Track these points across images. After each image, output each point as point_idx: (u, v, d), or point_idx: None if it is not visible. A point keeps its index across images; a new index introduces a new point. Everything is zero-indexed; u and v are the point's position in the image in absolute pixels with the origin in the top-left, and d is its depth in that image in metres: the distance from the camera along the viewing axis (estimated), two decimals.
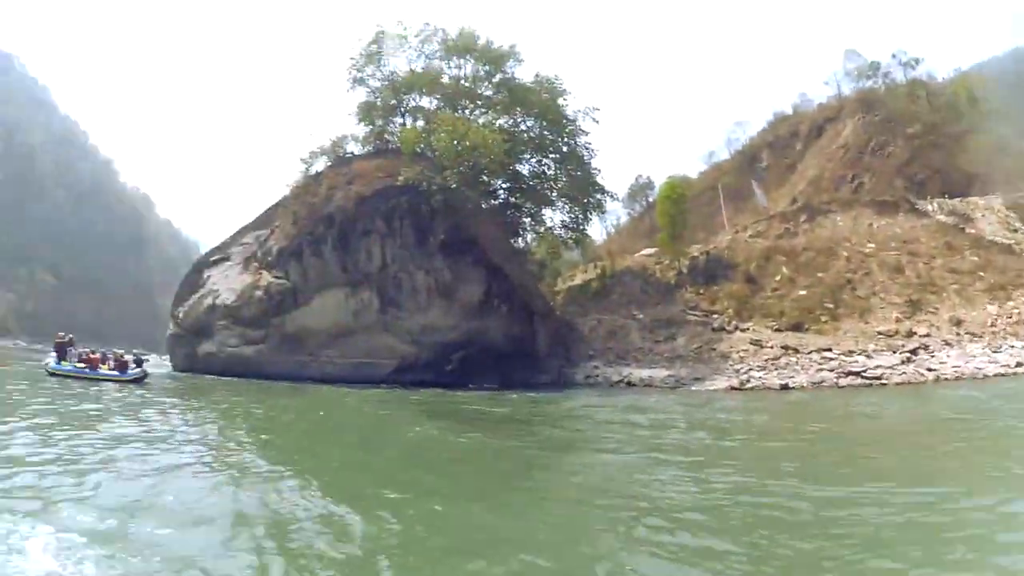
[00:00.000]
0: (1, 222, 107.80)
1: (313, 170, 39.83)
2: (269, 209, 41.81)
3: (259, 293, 35.81)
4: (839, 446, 13.15)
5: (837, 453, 12.21)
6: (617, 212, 76.78)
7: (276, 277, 36.01)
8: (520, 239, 41.04)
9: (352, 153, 40.31)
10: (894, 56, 72.78)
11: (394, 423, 19.07)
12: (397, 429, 17.72)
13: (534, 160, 41.53)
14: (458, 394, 26.45)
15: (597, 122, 42.31)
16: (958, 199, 43.83)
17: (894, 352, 29.15)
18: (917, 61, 72.53)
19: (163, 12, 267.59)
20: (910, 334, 30.76)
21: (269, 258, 37.59)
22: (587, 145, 41.42)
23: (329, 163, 39.77)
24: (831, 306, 32.89)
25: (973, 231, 39.44)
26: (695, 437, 15.28)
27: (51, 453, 11.10)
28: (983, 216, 41.52)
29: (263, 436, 16.04)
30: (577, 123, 41.50)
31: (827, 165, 55.32)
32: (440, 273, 32.50)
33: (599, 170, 41.73)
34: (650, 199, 68.67)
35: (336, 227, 35.16)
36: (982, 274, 34.75)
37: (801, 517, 7.58)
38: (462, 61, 41.96)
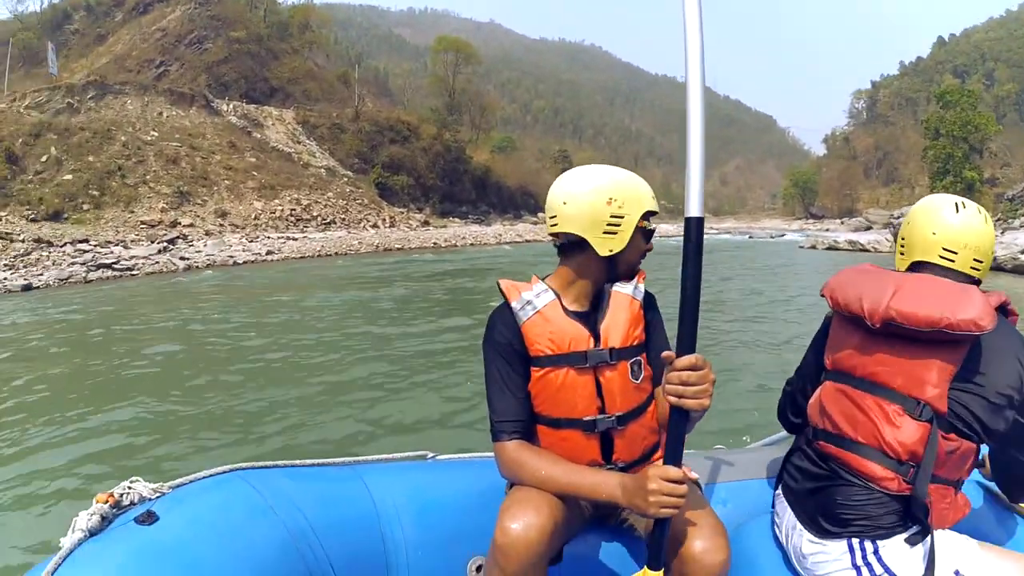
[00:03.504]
0: None
1: None
2: None
3: None
4: None
5: None
6: None
7: None
8: None
9: None
10: None
11: None
12: None
13: None
14: None
15: None
16: (255, 106, 47.06)
17: (153, 242, 29.01)
18: None
19: None
20: (174, 224, 31.33)
21: None
22: None
23: None
24: (96, 193, 30.64)
25: (259, 136, 42.92)
26: None
27: None
28: (273, 125, 45.76)
29: None
30: None
31: (140, 45, 51.93)
32: None
33: None
34: None
35: None
36: (255, 174, 38.06)
37: None
38: None
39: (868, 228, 53.01)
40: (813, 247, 33.49)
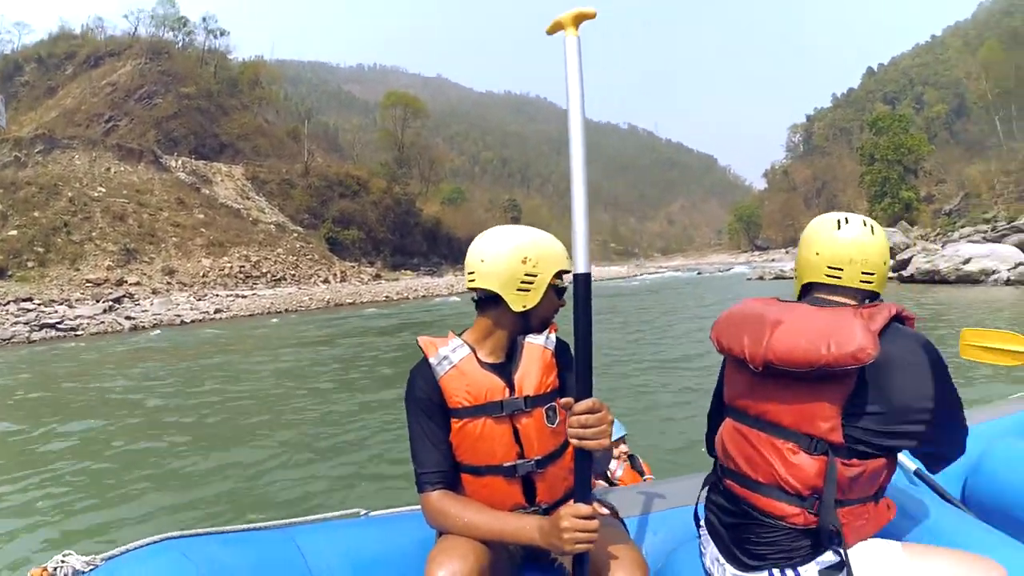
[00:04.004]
0: None
1: None
2: None
3: None
4: None
5: None
6: None
7: None
8: None
9: None
10: (204, 19, 74.89)
11: None
12: None
13: None
14: None
15: None
16: (204, 162, 47.69)
17: (98, 301, 29.13)
18: (223, 32, 76.74)
19: None
20: (120, 282, 31.45)
21: None
22: None
23: None
24: (41, 250, 30.72)
25: (208, 192, 43.44)
26: None
27: None
28: (222, 181, 46.30)
29: None
30: None
31: (90, 99, 52.17)
32: None
33: None
34: None
35: None
36: (204, 230, 38.48)
37: None
38: None
39: None
40: (760, 278, 34.38)
